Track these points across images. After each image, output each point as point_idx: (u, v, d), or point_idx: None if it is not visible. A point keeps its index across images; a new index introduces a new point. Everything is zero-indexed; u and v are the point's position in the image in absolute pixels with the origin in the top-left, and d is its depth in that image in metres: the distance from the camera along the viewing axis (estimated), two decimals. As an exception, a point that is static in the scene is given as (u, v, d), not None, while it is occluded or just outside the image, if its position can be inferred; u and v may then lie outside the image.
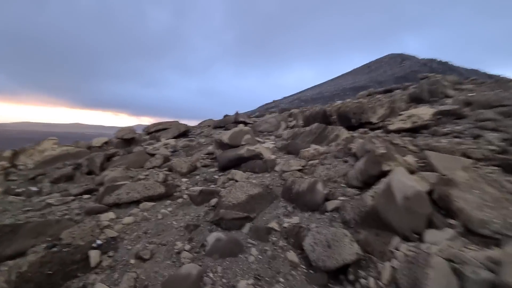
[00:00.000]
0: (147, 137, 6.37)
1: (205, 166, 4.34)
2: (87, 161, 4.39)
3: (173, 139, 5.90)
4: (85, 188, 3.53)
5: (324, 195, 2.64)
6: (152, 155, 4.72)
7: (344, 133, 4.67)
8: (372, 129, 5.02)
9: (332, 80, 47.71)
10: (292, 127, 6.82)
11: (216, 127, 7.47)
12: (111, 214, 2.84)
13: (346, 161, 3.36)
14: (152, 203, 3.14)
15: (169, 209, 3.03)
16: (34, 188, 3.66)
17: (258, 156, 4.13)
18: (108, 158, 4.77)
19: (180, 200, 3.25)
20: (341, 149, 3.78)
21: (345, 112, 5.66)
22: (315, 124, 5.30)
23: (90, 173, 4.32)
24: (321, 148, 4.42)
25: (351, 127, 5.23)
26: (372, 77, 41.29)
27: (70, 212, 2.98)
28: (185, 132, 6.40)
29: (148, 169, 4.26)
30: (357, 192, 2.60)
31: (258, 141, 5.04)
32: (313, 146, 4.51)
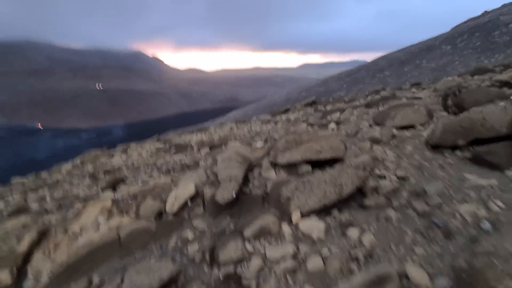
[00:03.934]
0: (268, 186, 2.92)
1: None
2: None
3: (321, 222, 2.13)
4: None
5: None
6: None
7: None
8: None
9: None
10: None
11: (437, 146, 2.83)
12: None
13: None
14: None
15: None
16: None
17: None
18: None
19: None
20: None
21: None
22: None
23: None
24: None
25: None
26: None
27: None
28: (359, 190, 2.37)
29: None
30: None
31: None
32: None
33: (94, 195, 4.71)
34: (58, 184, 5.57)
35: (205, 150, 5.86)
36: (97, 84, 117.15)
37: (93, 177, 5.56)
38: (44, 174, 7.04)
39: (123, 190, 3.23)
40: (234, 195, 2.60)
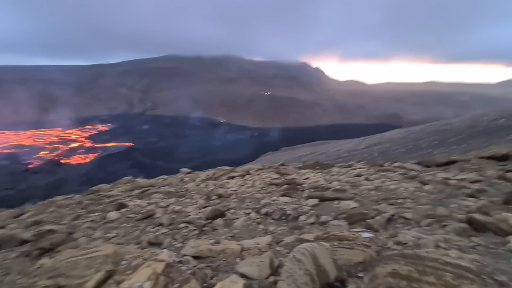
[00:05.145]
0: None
1: None
2: None
3: None
4: None
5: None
6: None
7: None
8: None
9: None
10: None
11: None
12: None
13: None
14: None
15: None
16: None
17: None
18: None
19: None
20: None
21: None
22: None
23: None
24: None
25: None
26: None
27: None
28: None
29: None
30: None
31: None
32: None
33: (195, 220, 5.01)
34: (184, 196, 6.41)
35: (313, 201, 5.01)
36: (266, 91, 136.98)
37: (207, 197, 6.00)
38: (186, 178, 8.47)
39: (194, 246, 3.05)
40: None
